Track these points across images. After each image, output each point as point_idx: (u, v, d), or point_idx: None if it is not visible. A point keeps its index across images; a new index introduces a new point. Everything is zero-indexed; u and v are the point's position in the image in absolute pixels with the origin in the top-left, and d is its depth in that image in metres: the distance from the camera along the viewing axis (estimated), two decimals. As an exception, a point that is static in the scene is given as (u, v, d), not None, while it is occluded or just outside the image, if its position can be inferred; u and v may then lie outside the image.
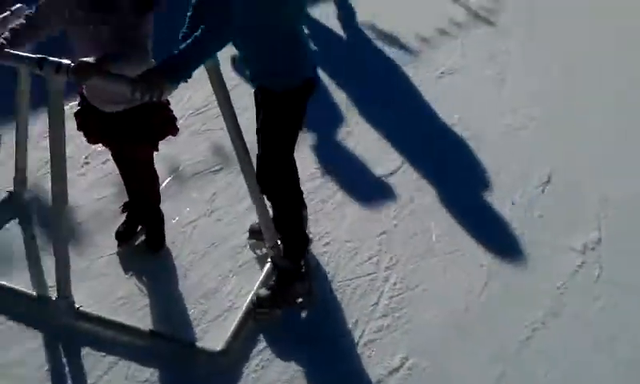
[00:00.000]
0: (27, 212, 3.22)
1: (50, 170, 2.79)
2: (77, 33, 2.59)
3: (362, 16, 5.54)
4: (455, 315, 2.94)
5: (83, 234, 3.10)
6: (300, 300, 2.88)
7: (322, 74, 4.33)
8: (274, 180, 2.73)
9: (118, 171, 3.10)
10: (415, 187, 3.69)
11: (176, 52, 2.38)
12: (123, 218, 3.10)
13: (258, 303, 2.80)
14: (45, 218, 3.16)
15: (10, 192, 3.22)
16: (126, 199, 3.10)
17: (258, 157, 2.74)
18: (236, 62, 3.93)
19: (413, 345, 2.78)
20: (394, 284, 3.07)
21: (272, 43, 2.55)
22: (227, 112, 2.79)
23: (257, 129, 2.74)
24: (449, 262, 3.23)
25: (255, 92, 2.79)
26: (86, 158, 3.54)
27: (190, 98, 3.93)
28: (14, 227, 3.14)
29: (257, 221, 3.05)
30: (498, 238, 3.41)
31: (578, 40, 5.52)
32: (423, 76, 4.82)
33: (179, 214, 3.28)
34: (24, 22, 2.60)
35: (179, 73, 2.34)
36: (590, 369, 2.76)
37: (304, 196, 3.07)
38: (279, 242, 2.96)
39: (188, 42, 2.39)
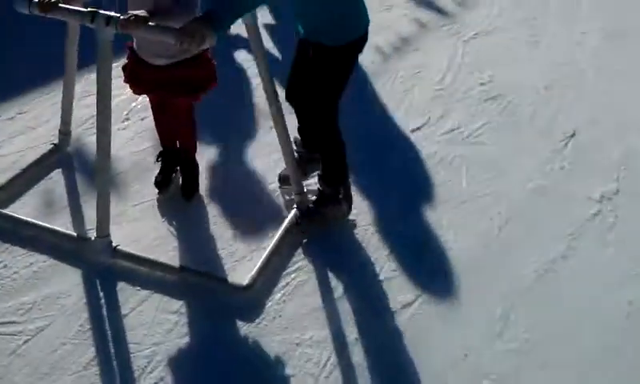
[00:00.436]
0: (70, 163, 3.44)
1: (93, 124, 3.09)
2: None
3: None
4: (470, 255, 3.08)
5: (122, 183, 3.31)
6: (353, 220, 3.17)
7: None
8: (323, 125, 2.97)
9: (154, 126, 3.33)
10: (445, 140, 3.82)
11: (219, 3, 2.53)
12: (158, 167, 3.30)
13: (296, 221, 3.05)
14: (85, 169, 3.39)
15: (55, 144, 3.45)
16: (160, 151, 3.31)
17: (303, 101, 2.96)
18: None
19: (426, 281, 2.93)
20: (415, 227, 3.21)
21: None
22: (263, 66, 2.93)
23: (294, 78, 3.01)
24: (469, 208, 3.36)
25: (301, 45, 2.97)
26: (127, 113, 3.76)
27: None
28: (57, 176, 3.36)
29: (284, 169, 3.24)
30: (517, 187, 3.51)
31: (614, 9, 5.53)
32: (457, 37, 4.93)
33: (212, 165, 3.47)
34: None
35: (221, 22, 2.50)
36: (598, 311, 2.86)
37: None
38: (304, 189, 3.15)
39: None
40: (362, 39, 2.88)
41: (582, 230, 3.27)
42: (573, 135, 3.95)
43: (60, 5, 2.66)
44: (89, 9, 2.61)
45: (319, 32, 2.82)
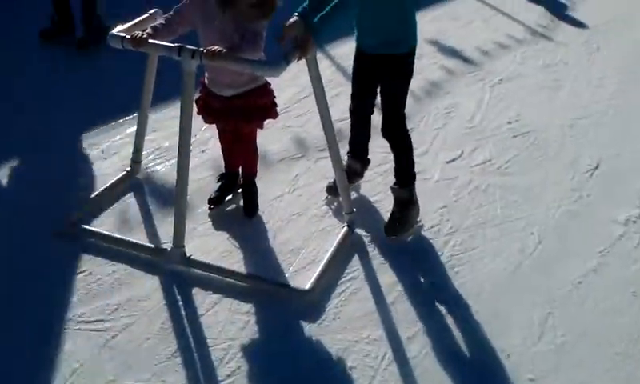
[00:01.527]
0: (141, 187, 3.75)
1: (158, 155, 3.58)
2: (206, 29, 3.13)
3: (428, 34, 6.04)
4: (509, 269, 3.34)
5: (189, 205, 3.59)
6: (419, 221, 3.54)
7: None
8: (401, 129, 3.42)
9: (216, 156, 3.66)
10: (478, 170, 4.12)
11: (317, 17, 2.94)
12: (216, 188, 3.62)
13: (388, 232, 3.43)
14: (155, 193, 3.71)
15: (127, 171, 3.78)
16: (221, 173, 3.64)
17: (385, 110, 3.37)
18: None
19: (469, 291, 3.19)
20: (454, 246, 3.49)
21: (398, 14, 3.16)
22: (322, 104, 3.25)
23: (361, 93, 3.45)
24: (505, 230, 3.63)
25: (365, 60, 3.35)
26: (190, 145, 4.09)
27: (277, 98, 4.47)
28: (130, 198, 3.67)
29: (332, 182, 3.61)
30: (548, 212, 3.78)
31: (631, 52, 5.91)
32: (484, 83, 5.28)
33: (267, 190, 3.77)
34: (163, 21, 3.14)
35: (323, 29, 2.92)
36: (628, 316, 3.10)
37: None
38: (351, 211, 3.46)
39: (327, 9, 2.94)
40: (416, 46, 3.33)
41: (610, 248, 3.52)
42: (597, 167, 4.23)
43: (150, 40, 3.00)
44: (176, 44, 2.95)
45: (391, 44, 3.23)
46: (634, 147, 4.47)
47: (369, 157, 3.77)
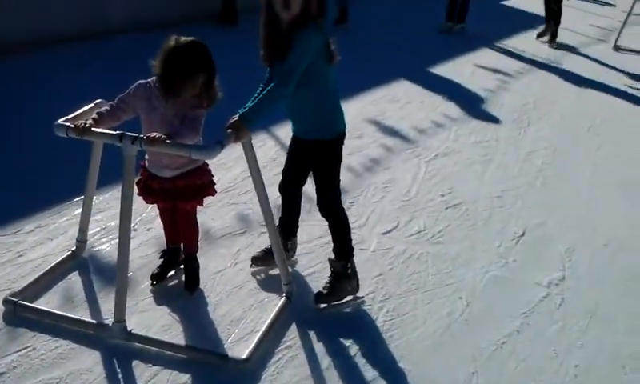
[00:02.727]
0: (86, 266, 3.82)
1: (103, 235, 3.62)
2: (149, 116, 3.28)
3: (369, 114, 6.32)
4: (437, 332, 3.47)
5: (132, 281, 3.66)
6: (358, 297, 3.64)
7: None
8: (335, 208, 3.57)
9: (160, 234, 3.77)
10: (412, 240, 4.29)
11: (249, 106, 3.16)
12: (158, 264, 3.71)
13: (317, 300, 3.53)
14: (99, 270, 3.77)
15: (72, 250, 3.84)
16: (163, 249, 3.74)
17: (318, 192, 3.53)
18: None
19: (401, 353, 3.29)
20: (387, 312, 3.61)
21: (318, 103, 3.36)
22: (256, 175, 3.38)
23: (290, 171, 3.63)
24: (435, 295, 3.77)
25: (296, 142, 3.55)
26: (134, 225, 4.18)
27: (220, 179, 4.60)
28: (75, 277, 3.73)
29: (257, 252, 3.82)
30: (476, 277, 3.95)
31: (558, 126, 6.27)
32: (420, 158, 5.53)
33: (209, 264, 3.87)
34: (108, 108, 3.28)
35: (252, 122, 3.13)
36: (549, 373, 3.24)
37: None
38: (290, 282, 3.57)
39: (259, 98, 3.18)
40: (344, 133, 3.51)
41: (533, 309, 3.70)
42: (523, 234, 4.46)
43: (93, 129, 3.14)
44: (117, 131, 3.09)
45: (314, 130, 3.41)
46: (559, 215, 4.72)
47: (297, 229, 3.90)
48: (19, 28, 7.38)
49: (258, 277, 3.82)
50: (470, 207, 4.77)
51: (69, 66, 7.05)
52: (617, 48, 10.14)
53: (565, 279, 4.00)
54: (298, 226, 3.90)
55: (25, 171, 4.82)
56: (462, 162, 5.58)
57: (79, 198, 4.27)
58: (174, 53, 3.19)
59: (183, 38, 3.23)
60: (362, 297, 3.68)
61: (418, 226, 4.49)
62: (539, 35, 10.41)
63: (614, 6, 14.38)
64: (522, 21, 12.02)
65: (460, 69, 8.53)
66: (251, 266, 3.85)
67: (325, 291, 3.57)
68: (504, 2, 14.32)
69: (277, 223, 3.68)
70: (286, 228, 3.82)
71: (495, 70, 8.61)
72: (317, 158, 3.49)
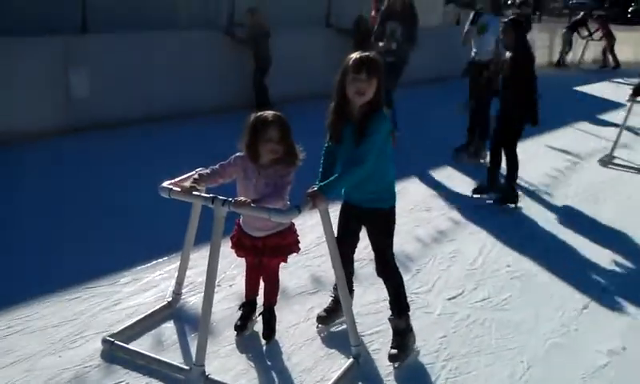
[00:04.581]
0: (176, 316, 4.12)
1: (192, 288, 3.93)
2: (244, 184, 3.63)
3: (437, 189, 6.52)
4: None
5: (215, 330, 3.93)
6: (416, 347, 3.85)
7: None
8: (391, 268, 3.81)
9: (241, 289, 4.07)
10: (477, 307, 4.42)
11: (328, 180, 3.49)
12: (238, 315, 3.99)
13: (391, 360, 3.72)
14: (188, 320, 4.06)
15: (168, 301, 4.17)
16: (242, 302, 4.02)
17: (375, 254, 3.79)
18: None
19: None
20: (450, 370, 3.74)
21: (384, 177, 3.64)
22: (330, 240, 3.61)
23: (348, 239, 3.83)
24: (496, 358, 3.88)
25: (349, 211, 3.78)
26: (218, 282, 4.47)
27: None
28: (166, 325, 4.03)
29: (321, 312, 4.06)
30: (538, 343, 4.04)
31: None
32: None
33: (284, 318, 4.10)
34: (209, 171, 3.63)
35: (330, 193, 3.43)
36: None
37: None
38: (359, 344, 3.75)
39: (336, 175, 3.50)
40: (395, 205, 3.76)
41: (593, 374, 3.75)
42: (585, 307, 4.51)
43: (193, 192, 3.50)
44: (210, 195, 3.44)
45: (377, 200, 3.65)
46: (620, 289, 4.75)
47: (353, 288, 4.08)
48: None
49: (329, 332, 4.02)
50: (534, 278, 4.86)
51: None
52: (604, 163, 8.29)
53: (625, 350, 4.03)
54: (353, 286, 4.07)
55: (123, 230, 5.25)
56: (527, 236, 5.69)
57: (169, 256, 4.68)
58: (251, 122, 3.58)
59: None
60: (418, 349, 3.87)
61: (483, 294, 4.61)
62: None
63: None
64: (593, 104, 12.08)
65: (531, 148, 8.68)
66: (317, 326, 4.05)
67: (395, 351, 3.74)
68: (576, 88, 14.43)
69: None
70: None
71: (565, 151, 8.71)
72: (376, 225, 3.73)
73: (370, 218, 3.72)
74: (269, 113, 3.62)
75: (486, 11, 8.11)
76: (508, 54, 6.30)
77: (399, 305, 3.83)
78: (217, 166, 3.67)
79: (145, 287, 4.44)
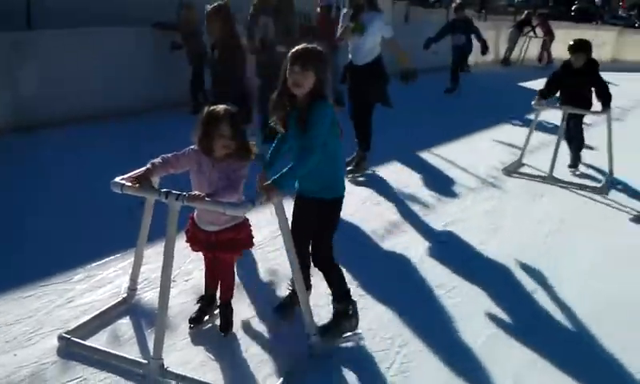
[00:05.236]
0: (131, 312, 4.13)
1: (147, 284, 3.97)
2: (198, 177, 3.66)
3: (397, 184, 6.68)
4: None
5: (171, 325, 3.96)
6: (348, 334, 3.93)
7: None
8: (327, 258, 3.90)
9: (197, 284, 4.10)
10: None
11: (281, 173, 3.51)
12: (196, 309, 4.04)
13: (320, 334, 3.78)
14: (143, 315, 4.07)
15: (123, 297, 4.17)
16: (201, 295, 4.07)
17: (316, 245, 3.87)
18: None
19: None
20: (405, 355, 3.86)
21: (327, 166, 3.68)
22: (286, 233, 3.66)
23: (303, 231, 3.86)
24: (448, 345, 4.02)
25: (300, 201, 3.86)
26: (173, 276, 4.50)
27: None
28: (121, 320, 4.03)
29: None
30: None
31: (567, 203, 6.54)
32: (432, 224, 5.84)
33: (241, 311, 4.15)
34: (160, 161, 3.63)
35: (285, 187, 3.50)
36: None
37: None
38: (315, 333, 3.82)
39: (290, 166, 3.53)
40: (342, 197, 3.86)
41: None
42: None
43: (144, 187, 3.52)
44: (164, 189, 3.45)
45: (322, 189, 3.76)
46: (561, 288, 4.96)
47: (311, 283, 4.15)
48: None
49: (286, 324, 4.09)
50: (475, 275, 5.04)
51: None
52: (508, 172, 7.67)
53: None
54: (310, 280, 4.14)
55: (73, 228, 5.22)
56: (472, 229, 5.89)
57: (121, 253, 4.69)
58: (204, 117, 3.62)
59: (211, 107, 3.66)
60: (361, 332, 3.97)
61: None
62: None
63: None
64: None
65: (479, 143, 8.95)
66: (279, 319, 4.13)
67: (323, 331, 3.86)
68: (520, 84, 14.82)
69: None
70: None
71: (511, 145, 8.97)
72: (319, 214, 3.81)
73: (316, 206, 3.80)
74: (220, 108, 3.63)
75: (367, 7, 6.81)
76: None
77: (338, 291, 3.96)
78: (170, 156, 3.68)
79: (98, 284, 4.44)
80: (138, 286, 4.31)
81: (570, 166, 7.83)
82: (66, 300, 4.21)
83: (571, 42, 7.31)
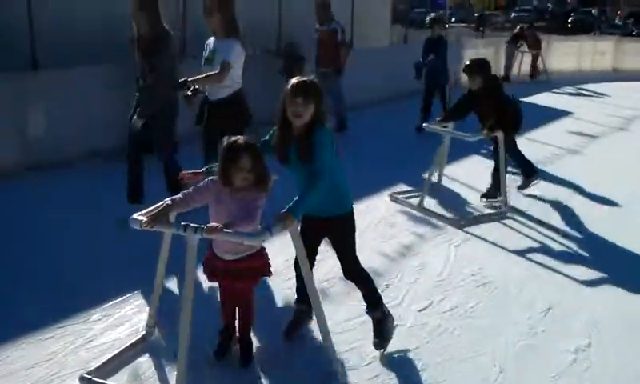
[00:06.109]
0: (152, 349, 4.13)
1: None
2: (217, 208, 3.69)
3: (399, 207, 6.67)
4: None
5: (192, 357, 3.97)
6: (395, 324, 4.19)
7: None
8: (358, 269, 4.06)
9: (214, 316, 4.11)
10: (446, 316, 4.56)
11: (294, 201, 3.55)
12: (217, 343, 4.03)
13: (377, 348, 4.06)
14: (167, 353, 4.08)
15: (142, 335, 4.17)
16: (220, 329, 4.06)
17: (342, 259, 4.02)
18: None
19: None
20: (425, 380, 3.85)
21: (333, 185, 3.76)
22: (304, 262, 3.70)
23: (308, 255, 3.83)
24: (469, 366, 4.01)
25: (311, 224, 3.92)
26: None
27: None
28: (142, 358, 4.04)
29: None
30: (508, 346, 4.20)
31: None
32: (450, 243, 5.85)
33: (261, 342, 4.16)
34: (181, 196, 3.67)
35: (299, 214, 3.54)
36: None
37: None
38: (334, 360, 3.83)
39: (301, 194, 3.58)
40: (353, 209, 3.99)
41: (563, 372, 3.91)
42: (549, 309, 4.70)
43: (162, 221, 3.54)
44: (182, 222, 3.47)
45: (334, 207, 3.87)
46: (580, 290, 4.97)
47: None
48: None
49: (305, 352, 4.10)
50: (499, 286, 5.04)
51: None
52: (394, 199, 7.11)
53: (590, 346, 4.22)
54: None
55: (89, 268, 5.24)
56: (489, 243, 5.88)
57: (138, 290, 4.71)
58: (223, 149, 3.66)
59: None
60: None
61: (451, 303, 4.75)
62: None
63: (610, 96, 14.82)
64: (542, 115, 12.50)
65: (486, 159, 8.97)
66: (285, 341, 4.19)
67: (377, 339, 4.06)
68: (524, 99, 14.87)
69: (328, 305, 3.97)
70: (304, 293, 4.07)
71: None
72: (338, 230, 3.96)
73: (331, 225, 3.93)
74: (241, 140, 3.68)
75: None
76: None
77: (372, 298, 4.10)
78: (190, 190, 3.72)
79: (117, 322, 4.44)
80: (157, 322, 4.31)
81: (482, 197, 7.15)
82: (85, 340, 4.21)
83: (467, 63, 6.82)
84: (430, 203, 6.93)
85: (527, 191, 7.42)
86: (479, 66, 6.65)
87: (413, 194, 7.14)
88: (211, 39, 5.94)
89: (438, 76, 10.67)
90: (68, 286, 4.94)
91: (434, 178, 7.20)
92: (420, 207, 6.74)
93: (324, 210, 3.85)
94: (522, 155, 7.26)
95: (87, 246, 5.71)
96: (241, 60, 5.84)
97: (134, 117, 5.93)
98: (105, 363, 3.89)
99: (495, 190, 6.96)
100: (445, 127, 6.89)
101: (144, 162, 6.20)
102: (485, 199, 7.06)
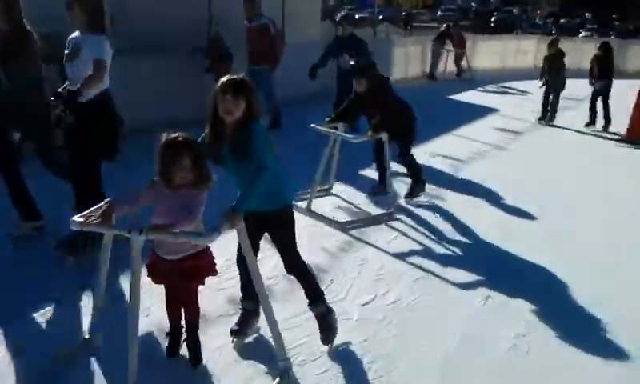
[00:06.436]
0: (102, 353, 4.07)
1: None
2: (159, 206, 3.64)
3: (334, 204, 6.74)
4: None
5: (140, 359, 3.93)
6: (337, 325, 4.22)
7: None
8: (299, 263, 4.10)
9: (159, 317, 4.06)
10: (390, 309, 4.67)
11: (238, 198, 3.54)
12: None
13: (325, 342, 4.14)
14: (111, 352, 4.03)
15: (85, 338, 4.08)
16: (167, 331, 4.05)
17: (283, 254, 4.03)
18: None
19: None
20: (375, 370, 3.94)
21: (272, 180, 3.71)
22: (251, 260, 3.74)
23: (253, 243, 3.85)
24: (414, 359, 4.13)
25: (253, 220, 3.85)
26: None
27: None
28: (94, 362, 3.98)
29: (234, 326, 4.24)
30: (450, 336, 4.35)
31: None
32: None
33: (207, 342, 4.13)
34: (120, 198, 3.61)
35: (244, 207, 3.53)
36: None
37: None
38: (285, 358, 3.85)
39: (244, 189, 3.57)
40: (291, 205, 4.06)
41: (504, 356, 4.10)
42: (488, 297, 4.88)
43: (104, 223, 3.48)
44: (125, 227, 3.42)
45: (272, 201, 3.85)
46: (518, 276, 5.17)
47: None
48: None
49: (254, 350, 4.12)
50: (436, 278, 5.18)
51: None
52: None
53: (528, 334, 4.41)
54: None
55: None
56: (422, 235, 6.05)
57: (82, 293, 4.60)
58: (161, 148, 3.62)
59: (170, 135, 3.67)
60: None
61: (394, 296, 4.86)
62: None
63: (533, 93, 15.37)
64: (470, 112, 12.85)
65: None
66: (232, 341, 4.20)
67: (324, 335, 4.13)
68: (450, 96, 15.26)
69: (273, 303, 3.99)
70: (249, 290, 4.15)
71: (448, 157, 9.23)
72: (277, 224, 3.97)
73: (271, 219, 3.93)
74: (180, 138, 3.64)
75: None
76: None
77: (314, 292, 4.15)
78: (130, 193, 3.68)
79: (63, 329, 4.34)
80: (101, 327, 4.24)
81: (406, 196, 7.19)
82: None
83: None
84: (320, 205, 6.80)
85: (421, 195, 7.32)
86: (362, 70, 6.85)
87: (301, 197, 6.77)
88: (74, 34, 5.26)
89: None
90: None
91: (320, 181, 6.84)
92: (308, 210, 6.55)
93: (262, 205, 3.83)
94: (418, 168, 7.20)
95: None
96: (109, 59, 5.20)
97: None
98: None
99: (384, 186, 7.01)
100: (335, 128, 6.77)
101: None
102: (410, 198, 7.14)
